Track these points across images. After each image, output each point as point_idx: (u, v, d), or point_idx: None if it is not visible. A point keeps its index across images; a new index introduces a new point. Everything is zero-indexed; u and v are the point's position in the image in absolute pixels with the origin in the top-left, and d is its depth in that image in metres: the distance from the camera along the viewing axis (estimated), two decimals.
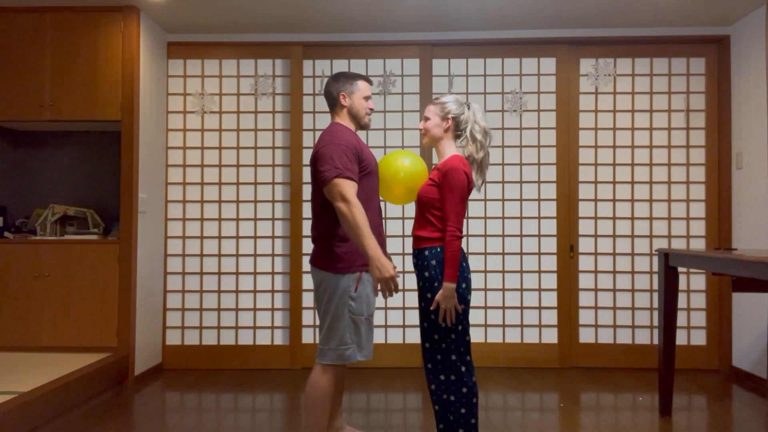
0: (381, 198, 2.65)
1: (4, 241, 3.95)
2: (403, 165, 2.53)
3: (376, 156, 2.68)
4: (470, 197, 4.35)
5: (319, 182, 2.40)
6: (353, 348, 2.45)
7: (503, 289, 4.39)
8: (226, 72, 4.50)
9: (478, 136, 2.49)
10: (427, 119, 2.54)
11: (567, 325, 4.36)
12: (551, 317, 4.37)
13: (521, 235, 4.40)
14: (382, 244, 2.58)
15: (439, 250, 2.43)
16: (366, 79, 2.62)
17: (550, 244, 4.39)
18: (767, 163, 3.86)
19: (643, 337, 4.35)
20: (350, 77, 2.59)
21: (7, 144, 4.43)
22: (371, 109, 2.61)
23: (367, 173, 2.48)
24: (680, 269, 4.17)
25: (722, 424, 3.21)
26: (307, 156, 4.42)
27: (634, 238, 4.39)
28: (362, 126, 2.61)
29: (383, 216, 4.38)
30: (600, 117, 4.44)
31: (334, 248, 2.44)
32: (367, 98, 2.59)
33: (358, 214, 2.28)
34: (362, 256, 2.40)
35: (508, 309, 4.39)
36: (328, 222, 2.45)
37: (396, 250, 4.39)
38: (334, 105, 2.58)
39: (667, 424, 3.15)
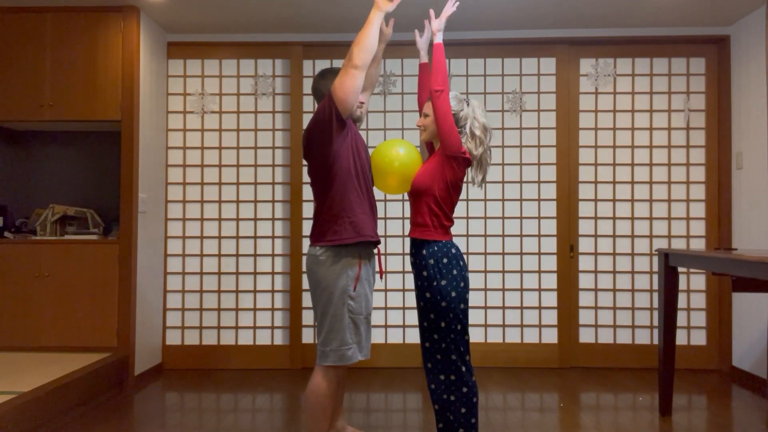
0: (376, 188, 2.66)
1: (4, 241, 3.95)
2: (397, 154, 2.51)
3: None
4: (470, 197, 4.39)
5: (325, 101, 2.40)
6: (354, 348, 2.44)
7: (503, 289, 4.39)
8: (226, 72, 4.50)
9: (477, 132, 2.47)
10: (425, 116, 2.54)
11: (567, 325, 4.35)
12: (551, 317, 4.37)
13: (521, 235, 4.39)
14: (375, 234, 2.54)
15: (436, 248, 2.44)
16: None
17: (550, 244, 4.39)
18: (767, 163, 3.86)
19: (643, 337, 4.35)
20: (337, 73, 2.52)
21: (7, 144, 4.43)
22: (362, 102, 2.58)
23: (349, 166, 2.46)
24: (680, 269, 4.17)
25: (722, 424, 3.21)
26: None
27: (634, 238, 4.39)
28: (355, 120, 2.59)
29: (384, 216, 4.38)
30: (600, 117, 4.44)
31: (342, 218, 2.43)
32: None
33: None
34: (367, 226, 2.43)
35: (508, 309, 4.39)
36: (334, 196, 2.44)
37: (396, 250, 4.39)
38: None
39: (667, 424, 3.15)
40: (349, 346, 2.43)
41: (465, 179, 2.52)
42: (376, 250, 2.62)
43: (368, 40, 2.39)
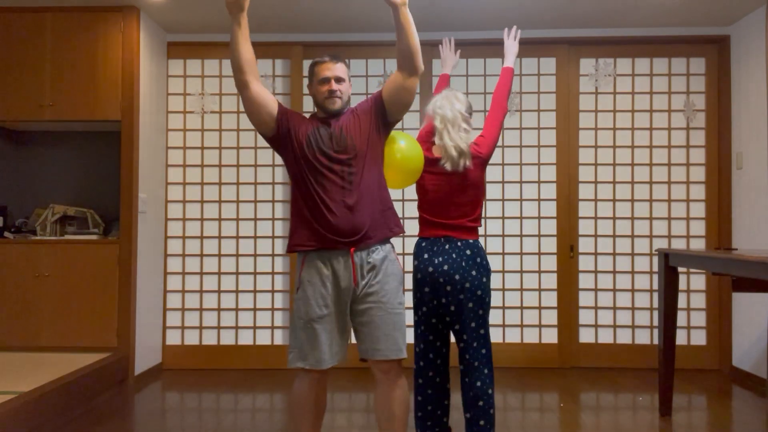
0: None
1: (4, 241, 3.95)
2: (399, 147, 2.45)
3: None
4: None
5: None
6: (294, 353, 2.30)
7: (503, 289, 4.39)
8: (226, 72, 4.49)
9: (435, 120, 2.58)
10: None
11: (567, 325, 4.35)
12: (551, 317, 4.37)
13: (521, 235, 4.39)
14: (337, 243, 2.28)
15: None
16: (319, 61, 2.37)
17: (550, 244, 4.39)
18: (767, 163, 3.86)
19: (643, 337, 4.35)
20: (311, 64, 2.39)
21: (7, 144, 4.42)
22: (330, 91, 2.31)
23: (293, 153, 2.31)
24: (680, 269, 4.16)
25: (722, 424, 3.21)
26: None
27: (634, 238, 4.39)
28: (326, 111, 2.35)
29: None
30: (600, 117, 4.44)
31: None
32: (322, 81, 2.33)
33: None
34: (296, 235, 2.29)
35: (508, 309, 4.39)
36: (293, 198, 2.38)
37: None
38: None
39: (667, 424, 3.16)
40: (291, 350, 2.31)
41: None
42: (348, 253, 2.29)
43: (231, 58, 2.31)
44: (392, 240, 2.43)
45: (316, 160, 2.28)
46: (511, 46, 2.79)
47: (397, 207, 4.41)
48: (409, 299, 2.68)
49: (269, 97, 2.34)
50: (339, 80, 2.33)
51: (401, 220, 2.72)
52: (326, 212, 2.26)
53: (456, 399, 2.63)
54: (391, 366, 2.35)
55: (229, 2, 2.26)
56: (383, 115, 2.36)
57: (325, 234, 2.27)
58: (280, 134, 2.34)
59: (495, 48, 4.42)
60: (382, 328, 2.30)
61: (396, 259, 2.42)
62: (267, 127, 2.34)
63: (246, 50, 2.31)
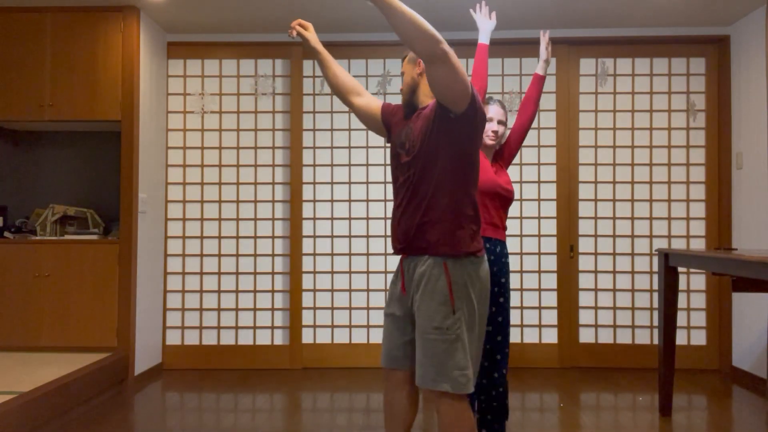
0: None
1: (4, 241, 3.95)
2: None
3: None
4: None
5: None
6: None
7: None
8: (226, 72, 4.50)
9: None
10: (503, 125, 2.68)
11: (567, 325, 4.35)
12: (551, 317, 4.37)
13: (521, 235, 4.39)
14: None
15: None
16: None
17: (550, 244, 4.39)
18: (767, 163, 3.86)
19: (643, 337, 4.35)
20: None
21: (7, 144, 4.43)
22: (402, 90, 2.36)
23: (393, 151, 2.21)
24: (680, 269, 4.16)
25: (722, 424, 3.21)
26: (307, 156, 4.43)
27: (634, 238, 4.39)
28: (405, 105, 2.31)
29: (385, 216, 4.38)
30: (600, 117, 4.44)
31: None
32: None
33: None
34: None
35: None
36: None
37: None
38: None
39: (667, 424, 3.16)
40: None
41: None
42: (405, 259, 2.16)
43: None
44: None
45: (392, 161, 2.20)
46: (485, 23, 2.68)
47: None
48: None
49: (373, 107, 2.32)
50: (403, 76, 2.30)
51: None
52: (405, 216, 2.11)
53: None
54: (430, 394, 2.01)
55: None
56: (444, 109, 2.03)
57: (395, 240, 2.16)
58: (390, 129, 2.29)
59: (495, 48, 4.42)
60: (419, 351, 2.02)
61: (444, 275, 1.99)
62: (382, 134, 2.33)
63: (334, 77, 2.34)
